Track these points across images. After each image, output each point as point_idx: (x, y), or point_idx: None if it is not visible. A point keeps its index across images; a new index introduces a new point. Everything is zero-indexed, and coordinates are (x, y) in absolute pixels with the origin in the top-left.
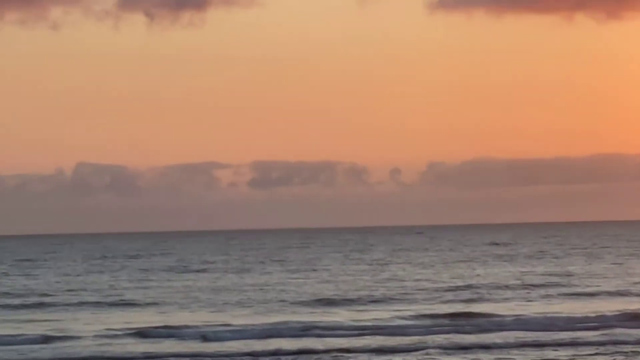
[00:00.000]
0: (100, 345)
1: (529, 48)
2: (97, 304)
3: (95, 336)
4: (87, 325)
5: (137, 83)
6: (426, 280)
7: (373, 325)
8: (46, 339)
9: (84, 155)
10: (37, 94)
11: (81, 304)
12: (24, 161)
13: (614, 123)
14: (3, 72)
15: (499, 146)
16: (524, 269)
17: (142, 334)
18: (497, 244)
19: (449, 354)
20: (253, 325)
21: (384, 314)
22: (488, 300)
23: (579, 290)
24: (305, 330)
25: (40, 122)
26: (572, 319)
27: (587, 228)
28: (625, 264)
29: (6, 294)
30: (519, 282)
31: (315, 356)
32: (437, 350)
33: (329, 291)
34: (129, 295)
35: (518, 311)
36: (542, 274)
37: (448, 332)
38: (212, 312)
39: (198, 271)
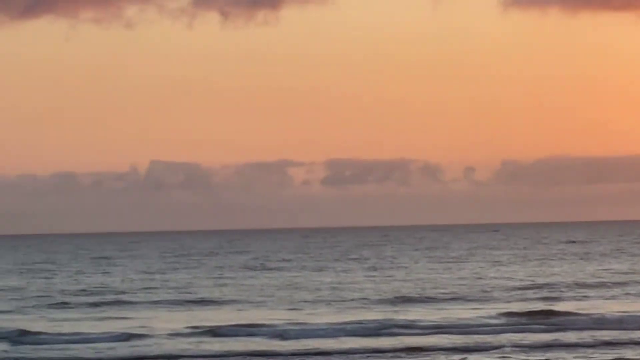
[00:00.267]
0: (177, 343)
1: (604, 46)
2: (174, 302)
3: (172, 334)
4: (164, 323)
5: (211, 81)
6: (503, 278)
7: (449, 324)
8: (128, 337)
9: (158, 153)
10: (111, 93)
11: (158, 302)
12: (99, 159)
13: None
14: (78, 71)
15: (574, 144)
16: (601, 267)
17: (218, 332)
18: (573, 242)
19: (525, 352)
20: (329, 323)
21: (461, 312)
22: (565, 298)
23: None
24: (381, 329)
25: (115, 120)
26: None
27: None
28: None
29: (83, 292)
30: (596, 280)
31: (391, 354)
32: (514, 349)
33: (405, 289)
34: (205, 293)
35: (595, 310)
36: (620, 272)
37: (524, 331)
38: (289, 310)
39: (274, 269)
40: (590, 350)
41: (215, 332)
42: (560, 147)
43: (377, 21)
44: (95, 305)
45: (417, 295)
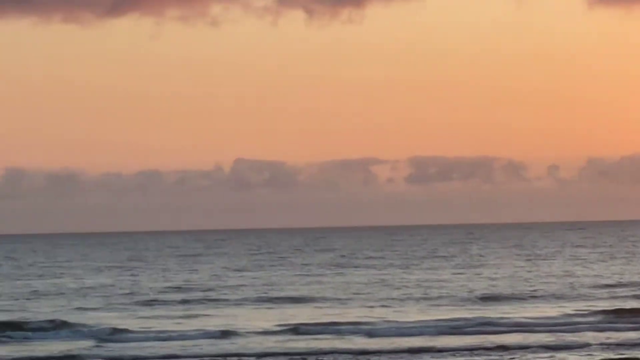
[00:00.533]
0: (264, 341)
1: None
2: (260, 300)
3: (259, 332)
4: (250, 321)
5: (295, 79)
6: (589, 276)
7: (536, 322)
8: (220, 334)
9: (242, 151)
10: (196, 90)
11: (245, 299)
12: (184, 157)
13: None
14: (163, 69)
15: None
16: None
17: (303, 330)
18: None
19: (612, 350)
20: (416, 321)
21: (547, 311)
22: None
23: None
24: (468, 327)
25: (200, 118)
26: None
27: None
28: None
29: (171, 289)
30: None
31: (478, 352)
32: (599, 347)
33: (493, 287)
34: (291, 291)
35: None
36: None
37: (612, 329)
38: (375, 307)
39: (360, 266)
40: None
41: (300, 330)
42: None
43: (462, 18)
44: (182, 302)
45: (504, 293)
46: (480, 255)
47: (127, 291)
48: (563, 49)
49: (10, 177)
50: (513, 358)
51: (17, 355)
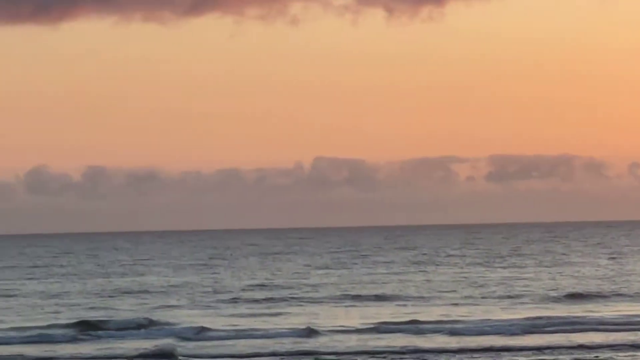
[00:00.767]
0: (345, 339)
1: None
2: (341, 298)
3: (341, 330)
4: (332, 319)
5: (375, 77)
6: None
7: (618, 321)
8: (309, 333)
9: (322, 149)
10: (276, 89)
11: (327, 297)
12: (264, 156)
13: None
14: (243, 67)
15: None
16: None
17: (385, 328)
18: None
19: None
20: (498, 319)
21: (630, 309)
22: None
23: None
24: (550, 325)
25: (280, 116)
26: None
27: None
28: None
29: (253, 287)
30: None
31: (557, 351)
32: None
33: (576, 286)
34: (374, 289)
35: None
36: None
37: None
38: (458, 306)
39: (441, 264)
40: None
41: (382, 328)
42: None
43: (543, 17)
44: (265, 300)
45: (587, 292)
46: (563, 254)
47: (210, 289)
48: None
49: (91, 176)
50: (596, 357)
51: (102, 353)
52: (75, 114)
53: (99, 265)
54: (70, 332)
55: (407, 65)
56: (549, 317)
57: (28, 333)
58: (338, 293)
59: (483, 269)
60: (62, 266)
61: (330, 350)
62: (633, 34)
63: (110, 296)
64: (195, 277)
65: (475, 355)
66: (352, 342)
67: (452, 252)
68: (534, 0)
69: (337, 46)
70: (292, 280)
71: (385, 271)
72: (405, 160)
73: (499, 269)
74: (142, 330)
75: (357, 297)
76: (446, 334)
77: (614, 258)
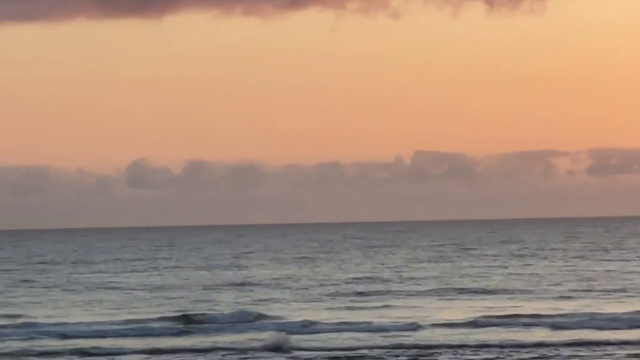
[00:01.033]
0: (449, 333)
1: None
2: (445, 290)
3: (445, 324)
4: (435, 313)
5: (476, 69)
6: None
7: None
8: (416, 327)
9: (422, 143)
10: (376, 82)
11: (430, 290)
12: (365, 150)
13: None
14: (344, 60)
15: None
16: None
17: (485, 322)
18: None
19: None
20: (602, 313)
21: None
22: None
23: None
24: None
25: (381, 110)
26: None
27: None
28: None
29: (356, 280)
30: None
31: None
32: None
33: None
34: (476, 283)
35: None
36: None
37: None
38: (560, 299)
39: (545, 258)
40: None
41: (483, 322)
42: None
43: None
44: (368, 294)
45: None
46: None
47: (314, 282)
48: None
49: (192, 169)
50: None
51: (207, 346)
52: (176, 108)
53: (202, 258)
54: (173, 324)
55: (509, 57)
56: None
57: (131, 326)
58: (442, 286)
59: (587, 262)
60: (164, 259)
61: (435, 343)
62: None
63: (213, 289)
64: (297, 270)
65: (574, 348)
66: (455, 335)
67: (555, 246)
68: None
69: (438, 39)
70: (395, 273)
71: (489, 264)
72: (505, 154)
73: (603, 262)
74: (247, 324)
75: (461, 290)
76: (548, 327)
77: None
